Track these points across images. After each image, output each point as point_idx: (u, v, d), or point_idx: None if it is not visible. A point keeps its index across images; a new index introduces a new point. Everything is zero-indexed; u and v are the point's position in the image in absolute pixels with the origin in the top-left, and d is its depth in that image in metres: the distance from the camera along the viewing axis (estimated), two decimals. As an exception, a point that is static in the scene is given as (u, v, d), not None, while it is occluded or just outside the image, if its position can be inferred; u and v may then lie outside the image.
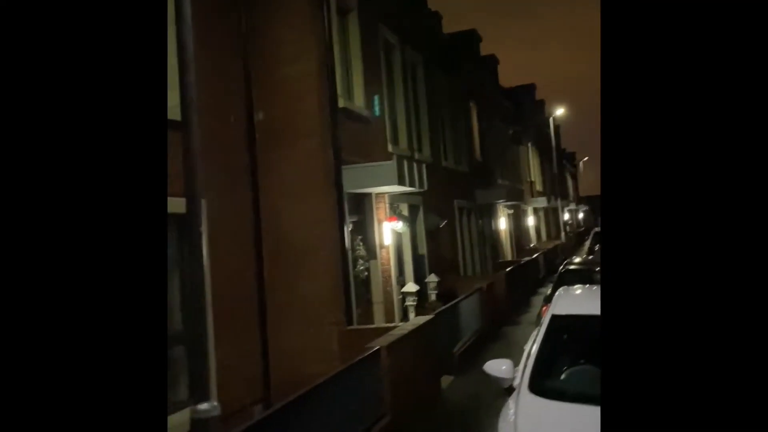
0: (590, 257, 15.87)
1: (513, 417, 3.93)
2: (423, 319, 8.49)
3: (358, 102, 10.55)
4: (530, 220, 29.17)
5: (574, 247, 33.93)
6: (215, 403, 3.71)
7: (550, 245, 27.56)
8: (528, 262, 19.18)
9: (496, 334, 12.11)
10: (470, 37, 24.01)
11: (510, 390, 4.44)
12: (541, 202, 31.26)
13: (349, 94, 10.40)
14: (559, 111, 35.06)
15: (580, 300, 5.62)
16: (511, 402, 4.20)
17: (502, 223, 21.96)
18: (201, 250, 3.97)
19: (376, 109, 8.46)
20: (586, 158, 68.81)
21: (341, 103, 9.39)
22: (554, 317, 4.83)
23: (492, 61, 28.02)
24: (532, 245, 27.19)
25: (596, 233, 26.54)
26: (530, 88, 38.60)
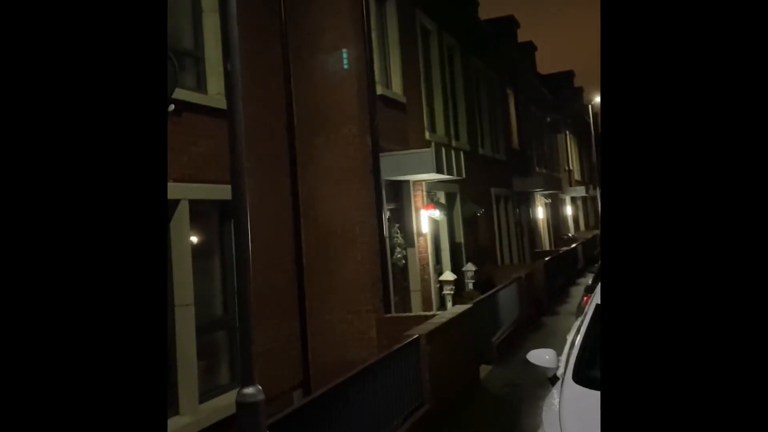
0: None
1: (558, 406, 3.92)
2: (461, 308, 8.45)
3: (396, 89, 10.49)
4: (568, 210, 28.78)
5: (612, 237, 33.37)
6: (259, 387, 3.73)
7: (589, 235, 27.16)
8: (566, 252, 18.94)
9: (535, 324, 11.99)
10: (508, 23, 23.70)
11: (553, 379, 4.40)
12: (580, 191, 30.84)
13: (387, 81, 10.35)
14: (598, 98, 34.45)
15: None
16: (555, 391, 4.18)
17: (540, 212, 21.70)
18: (248, 236, 3.98)
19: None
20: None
21: (379, 91, 9.35)
22: (598, 307, 4.74)
23: (530, 47, 27.61)
24: (570, 235, 26.83)
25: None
26: (569, 75, 37.98)
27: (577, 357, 4.28)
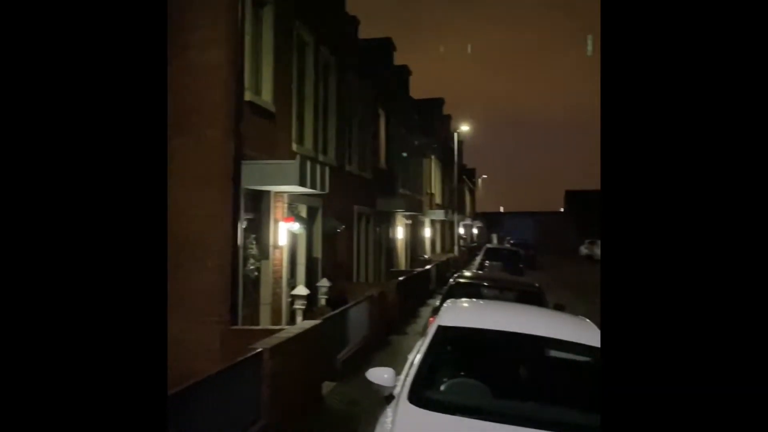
0: (480, 272, 16.37)
1: (390, 426, 3.94)
2: (310, 323, 8.42)
3: (266, 97, 10.35)
4: (427, 232, 29.75)
5: (466, 262, 34.94)
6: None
7: (443, 258, 28.19)
8: (420, 273, 19.52)
9: (383, 343, 12.21)
10: (385, 45, 24.24)
11: (390, 398, 4.44)
12: (439, 214, 31.97)
13: (257, 88, 10.18)
14: (464, 127, 36.08)
15: (467, 313, 5.71)
16: (389, 410, 4.20)
17: (400, 233, 22.26)
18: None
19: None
20: (484, 176, 71.33)
21: (248, 97, 9.18)
22: (440, 328, 4.86)
23: (404, 71, 28.42)
24: (426, 256, 27.71)
25: (488, 249, 27.47)
26: (439, 102, 39.47)
27: (414, 377, 4.34)
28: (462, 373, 4.70)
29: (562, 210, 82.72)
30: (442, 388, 4.53)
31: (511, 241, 45.82)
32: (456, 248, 34.21)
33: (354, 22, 19.15)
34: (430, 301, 18.00)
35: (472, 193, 63.07)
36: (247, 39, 9.34)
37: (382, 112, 20.24)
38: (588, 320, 5.43)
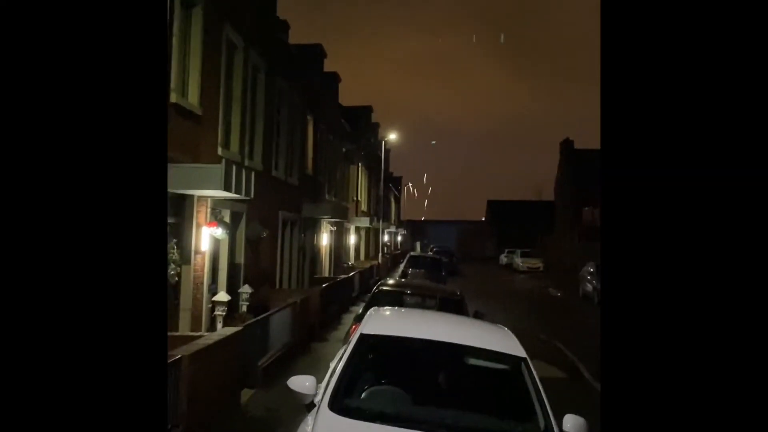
0: (403, 280, 16.57)
1: None
2: (230, 330, 8.33)
3: (193, 99, 10.18)
4: (352, 239, 29.83)
5: (390, 269, 35.24)
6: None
7: (367, 265, 28.35)
8: (344, 279, 19.57)
9: (305, 350, 12.19)
10: (316, 51, 24.22)
11: (311, 406, 4.44)
12: (364, 221, 32.12)
13: (183, 89, 10.00)
14: (392, 136, 36.48)
15: (389, 321, 5.79)
16: (309, 418, 4.22)
17: (325, 239, 22.24)
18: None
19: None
20: (410, 184, 72.22)
21: (173, 98, 9.00)
22: (362, 336, 4.90)
23: (334, 78, 28.46)
24: (350, 263, 27.78)
25: (411, 257, 27.79)
26: (367, 110, 39.71)
27: (335, 385, 4.37)
28: (383, 381, 4.75)
29: (483, 219, 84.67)
30: (362, 395, 4.57)
31: (434, 249, 46.52)
32: (380, 256, 34.46)
33: (285, 26, 19.06)
34: (353, 308, 18.07)
35: (398, 201, 63.69)
36: (174, 40, 9.18)
37: (310, 118, 20.22)
38: (506, 328, 5.63)
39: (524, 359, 4.74)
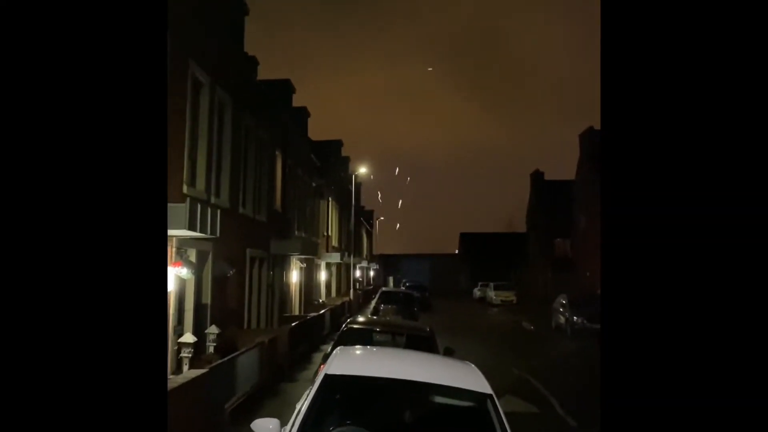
0: (374, 317, 16.38)
1: None
2: (196, 372, 8.10)
3: (156, 137, 10.04)
4: (322, 275, 29.60)
5: (362, 305, 34.97)
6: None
7: (339, 302, 28.09)
8: (314, 317, 19.32)
9: (274, 391, 11.91)
10: (284, 87, 24.34)
11: None
12: (335, 257, 31.96)
13: (147, 127, 9.86)
14: (362, 169, 36.55)
15: (356, 360, 5.68)
16: None
17: (294, 276, 22.01)
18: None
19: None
20: (381, 218, 72.32)
21: (136, 137, 8.86)
22: (327, 377, 4.82)
23: (303, 112, 28.59)
24: (321, 300, 27.51)
25: (383, 292, 27.63)
26: (337, 144, 39.88)
27: (299, 427, 4.29)
28: (348, 422, 4.68)
29: (456, 252, 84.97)
30: None
31: (407, 284, 46.38)
32: (352, 292, 34.20)
33: (253, 62, 19.11)
34: (324, 347, 17.78)
35: (370, 235, 63.66)
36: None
37: (279, 154, 20.16)
38: (472, 365, 5.55)
39: (490, 396, 4.71)
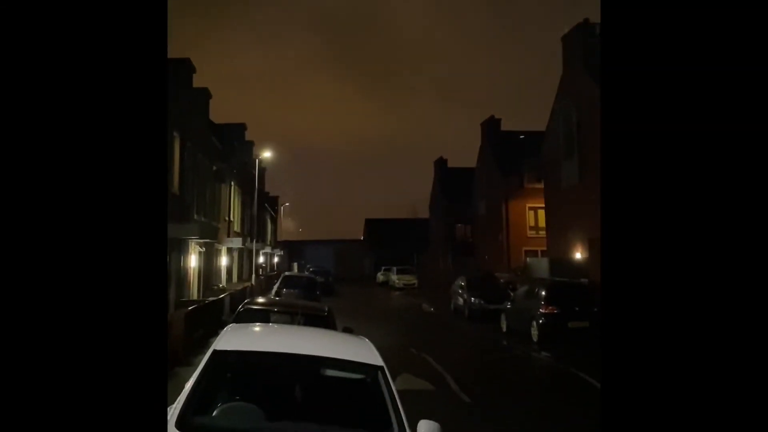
0: (276, 298, 16.21)
1: None
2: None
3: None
4: (224, 260, 29.00)
5: (264, 290, 34.56)
6: None
7: (240, 287, 27.64)
8: (212, 302, 18.92)
9: (168, 375, 11.59)
10: (183, 66, 23.47)
11: None
12: (237, 242, 31.36)
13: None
14: (267, 154, 35.82)
15: (245, 337, 5.58)
16: None
17: (193, 261, 21.45)
18: None
19: None
20: (287, 204, 71.54)
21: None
22: (215, 352, 4.71)
23: (204, 94, 27.70)
24: (221, 285, 26.97)
25: (285, 276, 27.39)
26: (241, 128, 39.00)
27: (184, 403, 4.18)
28: (237, 398, 4.61)
29: (362, 238, 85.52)
30: (214, 413, 4.41)
31: (311, 269, 46.26)
32: (254, 277, 33.70)
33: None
34: (222, 331, 17.48)
35: (274, 221, 62.89)
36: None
37: (177, 136, 19.50)
38: (366, 339, 5.58)
39: (381, 368, 4.73)
